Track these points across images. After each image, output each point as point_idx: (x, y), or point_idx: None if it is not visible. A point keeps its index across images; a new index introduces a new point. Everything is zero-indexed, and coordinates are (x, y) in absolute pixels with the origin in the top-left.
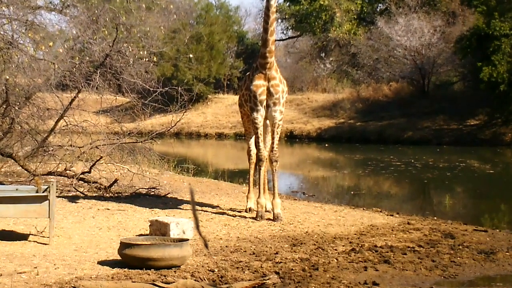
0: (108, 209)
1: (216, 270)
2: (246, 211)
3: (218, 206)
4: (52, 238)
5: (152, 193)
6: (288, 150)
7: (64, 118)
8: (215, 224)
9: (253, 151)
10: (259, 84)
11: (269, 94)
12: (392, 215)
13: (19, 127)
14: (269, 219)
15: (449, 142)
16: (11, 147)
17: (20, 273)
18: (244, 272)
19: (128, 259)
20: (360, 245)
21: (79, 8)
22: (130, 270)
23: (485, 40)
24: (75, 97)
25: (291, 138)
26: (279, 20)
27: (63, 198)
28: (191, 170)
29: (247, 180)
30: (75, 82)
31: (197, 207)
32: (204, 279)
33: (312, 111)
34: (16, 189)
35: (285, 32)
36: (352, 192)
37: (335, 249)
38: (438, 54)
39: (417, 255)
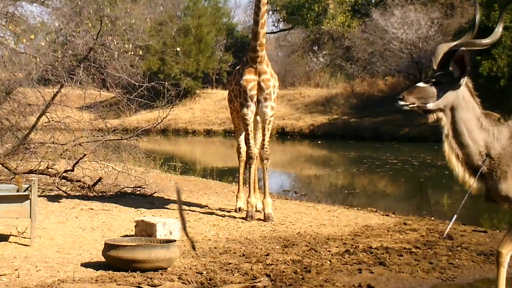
0: (92, 209)
1: (204, 272)
2: (235, 211)
3: (206, 206)
4: (34, 239)
5: (138, 192)
6: (279, 148)
7: (46, 114)
8: (203, 225)
9: (243, 148)
10: (249, 79)
11: (260, 89)
12: (387, 215)
13: None
14: (259, 219)
15: None
16: None
17: (0, 275)
18: (233, 275)
19: (113, 261)
20: (354, 247)
21: None
22: (114, 272)
23: (484, 33)
24: (57, 92)
25: (282, 135)
26: (270, 12)
27: (45, 198)
28: (178, 168)
29: (237, 179)
30: (57, 77)
31: (185, 207)
32: (192, 282)
33: (304, 107)
34: None
35: (276, 25)
36: (346, 191)
37: (328, 251)
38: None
39: (414, 257)
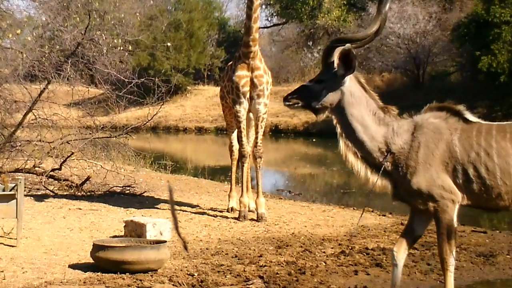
0: (80, 208)
1: (195, 274)
2: (228, 211)
3: (198, 206)
4: (20, 239)
5: (127, 191)
6: (273, 146)
7: (33, 111)
8: (194, 225)
9: (236, 146)
10: (242, 75)
11: (253, 85)
12: (384, 215)
13: None
14: (252, 219)
15: None
16: None
17: None
18: (225, 276)
19: (102, 262)
20: (350, 247)
21: None
22: (103, 274)
23: (484, 28)
24: (44, 88)
25: (276, 132)
26: (264, 6)
27: (32, 197)
28: (169, 167)
29: (229, 178)
30: (44, 73)
31: (176, 207)
32: (183, 284)
33: None
34: None
35: (269, 19)
36: (341, 191)
37: (323, 252)
38: (434, 43)
39: (412, 258)
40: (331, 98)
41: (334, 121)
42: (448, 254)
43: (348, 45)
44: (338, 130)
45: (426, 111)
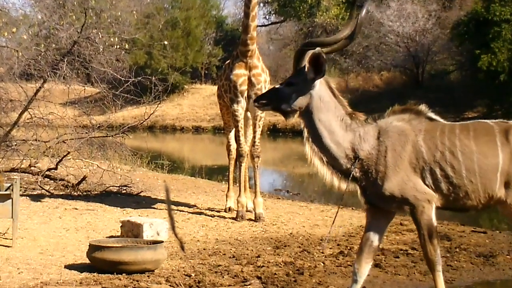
0: (76, 208)
1: (193, 274)
2: (225, 211)
3: (195, 206)
4: (16, 240)
5: (124, 191)
6: (271, 145)
7: (29, 110)
8: (192, 225)
9: (233, 146)
10: (239, 74)
11: (251, 84)
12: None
13: None
14: (250, 219)
15: None
16: None
17: None
18: (223, 277)
19: (98, 262)
20: (348, 248)
21: None
22: (100, 274)
23: (484, 26)
24: (40, 87)
25: (274, 132)
26: (261, 4)
27: (28, 197)
28: (166, 167)
29: (227, 178)
30: (40, 71)
31: (173, 207)
32: (180, 285)
33: None
34: None
35: (267, 17)
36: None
37: (322, 252)
38: (433, 41)
39: (411, 259)
40: (300, 101)
41: (302, 125)
42: (433, 254)
43: (318, 49)
44: (305, 134)
45: (390, 115)
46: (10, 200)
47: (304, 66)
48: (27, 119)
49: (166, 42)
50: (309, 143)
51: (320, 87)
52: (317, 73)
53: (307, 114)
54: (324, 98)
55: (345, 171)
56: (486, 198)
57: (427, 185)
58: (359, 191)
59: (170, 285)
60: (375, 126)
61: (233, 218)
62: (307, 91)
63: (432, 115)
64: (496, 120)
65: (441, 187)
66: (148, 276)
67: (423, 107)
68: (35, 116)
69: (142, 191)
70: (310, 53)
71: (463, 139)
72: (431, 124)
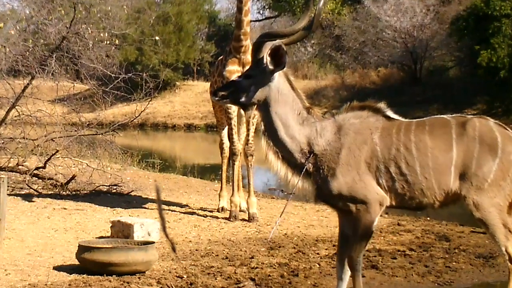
0: (65, 208)
1: (185, 276)
2: (218, 211)
3: (187, 205)
4: (3, 240)
5: (114, 190)
6: None
7: (16, 107)
8: (184, 226)
9: (226, 144)
10: (233, 70)
11: None
12: (380, 216)
13: None
14: (243, 219)
15: None
16: None
17: None
18: (216, 279)
19: (87, 264)
20: None
21: None
22: (89, 276)
23: (483, 21)
24: (28, 84)
25: None
26: None
27: (15, 196)
28: (157, 165)
29: (220, 177)
30: (28, 68)
31: (164, 207)
32: (172, 286)
33: None
34: None
35: (261, 12)
36: None
37: (317, 253)
38: (432, 37)
39: (408, 260)
40: (259, 94)
41: (259, 118)
42: (358, 254)
43: (278, 41)
44: (262, 127)
45: (348, 111)
46: None
47: (263, 57)
48: (15, 116)
49: (157, 38)
50: (265, 137)
51: (279, 79)
52: (277, 65)
53: (265, 107)
54: (283, 91)
55: (298, 166)
56: (442, 195)
57: (380, 185)
58: (310, 187)
59: (161, 287)
60: (332, 121)
61: (226, 218)
62: (266, 84)
63: (390, 113)
64: (455, 115)
65: (395, 186)
66: (139, 278)
67: (381, 105)
68: (23, 114)
69: (132, 191)
70: (268, 44)
71: (419, 134)
72: (388, 123)
